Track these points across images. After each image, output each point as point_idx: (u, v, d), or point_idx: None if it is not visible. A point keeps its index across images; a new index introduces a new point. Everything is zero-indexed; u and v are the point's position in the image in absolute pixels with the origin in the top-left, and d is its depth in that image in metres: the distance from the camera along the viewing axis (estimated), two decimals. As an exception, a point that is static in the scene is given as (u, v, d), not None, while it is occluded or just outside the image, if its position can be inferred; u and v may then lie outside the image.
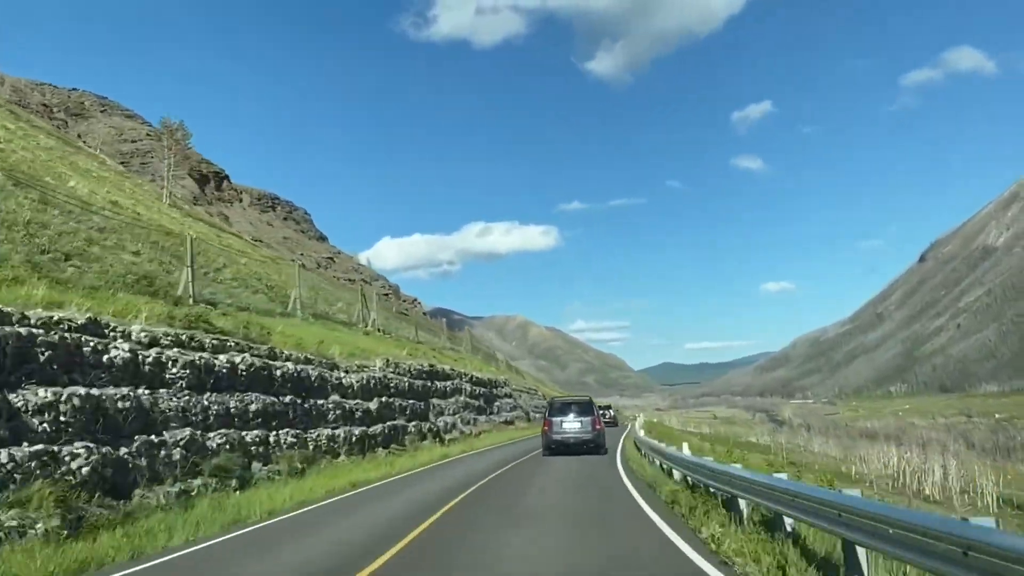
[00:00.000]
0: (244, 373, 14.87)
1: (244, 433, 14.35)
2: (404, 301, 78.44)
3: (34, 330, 9.87)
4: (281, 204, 75.41)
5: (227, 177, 65.93)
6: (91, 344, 10.83)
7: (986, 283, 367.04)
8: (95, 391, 10.40)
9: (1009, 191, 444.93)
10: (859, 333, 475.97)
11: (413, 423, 25.92)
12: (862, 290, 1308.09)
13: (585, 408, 25.64)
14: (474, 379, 39.25)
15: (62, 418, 9.61)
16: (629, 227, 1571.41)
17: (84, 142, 50.11)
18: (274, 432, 15.52)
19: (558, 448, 24.77)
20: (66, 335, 10.38)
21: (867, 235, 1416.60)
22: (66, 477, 9.26)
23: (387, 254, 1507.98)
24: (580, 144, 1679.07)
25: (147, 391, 11.74)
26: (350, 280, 65.85)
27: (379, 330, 34.17)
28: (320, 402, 18.46)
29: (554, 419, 25.11)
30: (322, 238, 79.33)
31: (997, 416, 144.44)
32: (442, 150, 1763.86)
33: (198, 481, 12.14)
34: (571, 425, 24.82)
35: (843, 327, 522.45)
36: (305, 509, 12.85)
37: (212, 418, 13.41)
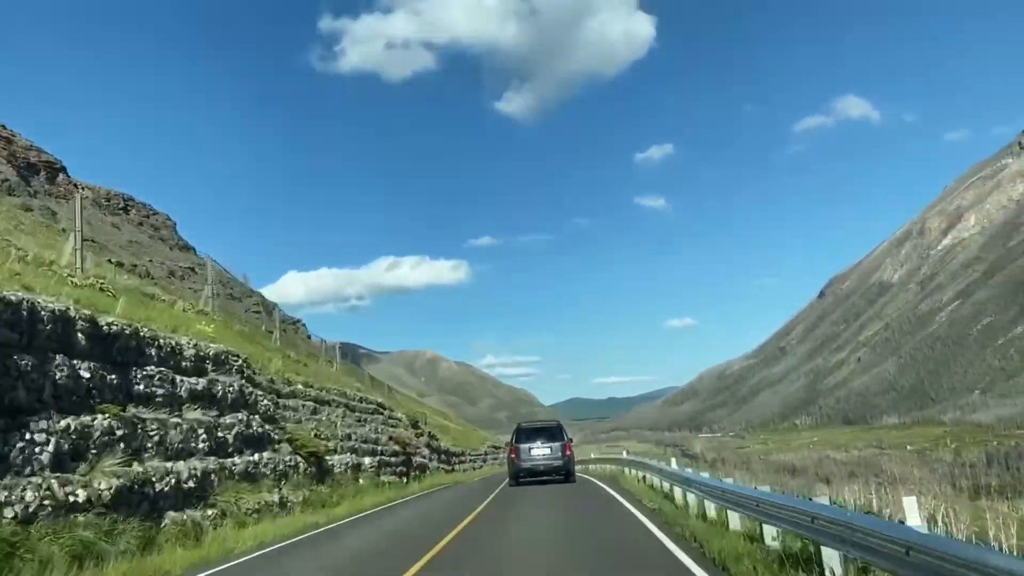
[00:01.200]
0: None
1: None
2: (285, 322, 68.23)
3: None
4: (136, 206, 64.46)
5: (63, 169, 55.09)
6: None
7: (884, 317, 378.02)
8: None
9: (902, 230, 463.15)
10: (763, 367, 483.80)
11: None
12: (762, 326, 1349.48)
13: (555, 433, 24.39)
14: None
15: None
16: (537, 263, 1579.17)
17: None
18: None
19: (526, 476, 23.65)
20: None
21: (764, 273, 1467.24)
22: None
23: (293, 289, 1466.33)
24: (490, 180, 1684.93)
25: None
26: (215, 295, 55.83)
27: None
28: None
29: (521, 446, 23.86)
30: (186, 247, 68.55)
31: (909, 448, 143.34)
32: (350, 184, 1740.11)
33: None
34: (540, 451, 23.70)
35: (748, 361, 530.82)
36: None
37: None
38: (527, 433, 24.56)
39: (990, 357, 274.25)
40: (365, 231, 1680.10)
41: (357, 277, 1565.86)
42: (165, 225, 67.12)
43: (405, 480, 29.91)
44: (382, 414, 33.12)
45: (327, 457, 21.52)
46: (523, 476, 23.76)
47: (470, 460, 60.44)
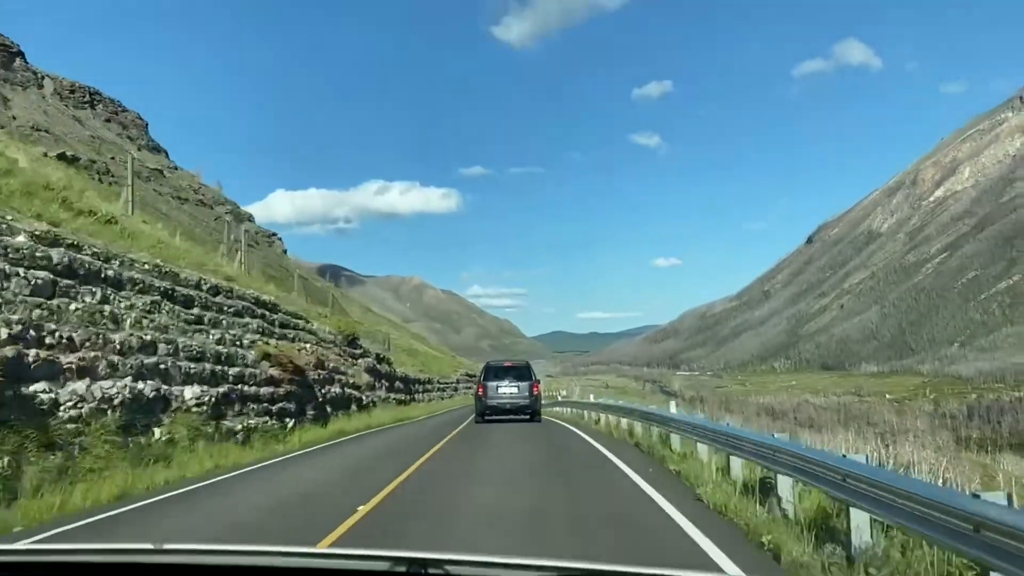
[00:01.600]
0: None
1: None
2: (259, 234, 65.05)
3: None
4: (104, 101, 60.22)
5: (20, 54, 50.93)
6: None
7: (870, 266, 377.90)
8: None
9: (894, 179, 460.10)
10: (746, 309, 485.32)
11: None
12: (747, 270, 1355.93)
13: (523, 372, 24.51)
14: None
15: None
16: (528, 196, 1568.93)
17: None
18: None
19: (493, 413, 23.71)
20: None
21: (753, 217, 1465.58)
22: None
23: (280, 208, 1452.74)
24: (483, 108, 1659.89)
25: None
26: (179, 199, 52.01)
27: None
28: None
29: (489, 383, 23.98)
30: (157, 149, 64.66)
31: (888, 396, 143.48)
32: (341, 101, 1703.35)
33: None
34: (507, 390, 23.78)
35: (730, 303, 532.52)
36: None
37: None
38: (495, 371, 24.60)
39: (972, 311, 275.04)
40: (355, 153, 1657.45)
41: (346, 199, 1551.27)
42: (135, 124, 63.03)
43: (292, 425, 18.97)
44: (265, 318, 20.20)
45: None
46: (489, 413, 23.81)
47: (439, 389, 54.34)
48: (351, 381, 26.86)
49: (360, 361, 29.92)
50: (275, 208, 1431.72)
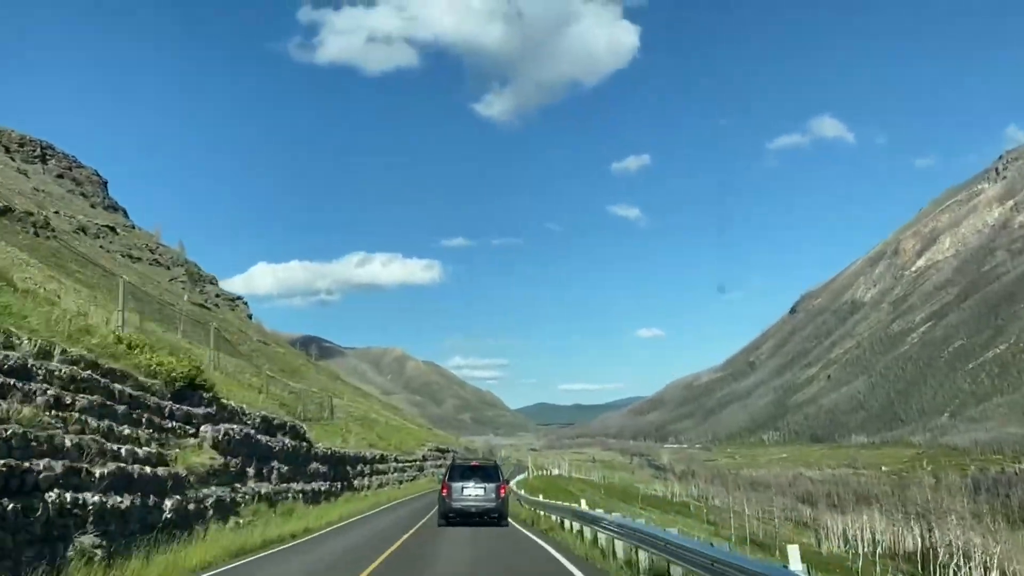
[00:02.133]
0: None
1: None
2: (221, 297, 60.52)
3: None
4: (58, 156, 56.40)
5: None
6: None
7: (855, 336, 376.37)
8: None
9: (875, 250, 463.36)
10: (732, 380, 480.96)
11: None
12: (730, 339, 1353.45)
13: (490, 473, 23.67)
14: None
15: None
16: (509, 266, 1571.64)
17: None
18: None
19: (456, 517, 22.76)
20: None
21: (735, 287, 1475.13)
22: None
23: (262, 280, 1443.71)
24: (465, 181, 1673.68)
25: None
26: (130, 257, 47.62)
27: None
28: None
29: (454, 484, 22.94)
30: (114, 207, 60.62)
31: (884, 469, 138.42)
32: (324, 176, 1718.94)
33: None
34: (473, 491, 22.88)
35: (716, 374, 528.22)
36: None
37: None
38: (461, 471, 23.67)
39: (960, 380, 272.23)
40: (337, 225, 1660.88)
41: (328, 271, 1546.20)
42: (91, 181, 59.16)
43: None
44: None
45: None
46: (453, 516, 22.80)
47: (398, 469, 43.59)
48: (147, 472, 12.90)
49: (204, 430, 16.71)
50: (257, 280, 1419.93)
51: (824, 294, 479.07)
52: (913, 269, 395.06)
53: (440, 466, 53.32)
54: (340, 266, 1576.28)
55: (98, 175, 60.82)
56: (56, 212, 41.23)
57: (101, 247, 43.61)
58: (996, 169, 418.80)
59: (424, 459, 55.29)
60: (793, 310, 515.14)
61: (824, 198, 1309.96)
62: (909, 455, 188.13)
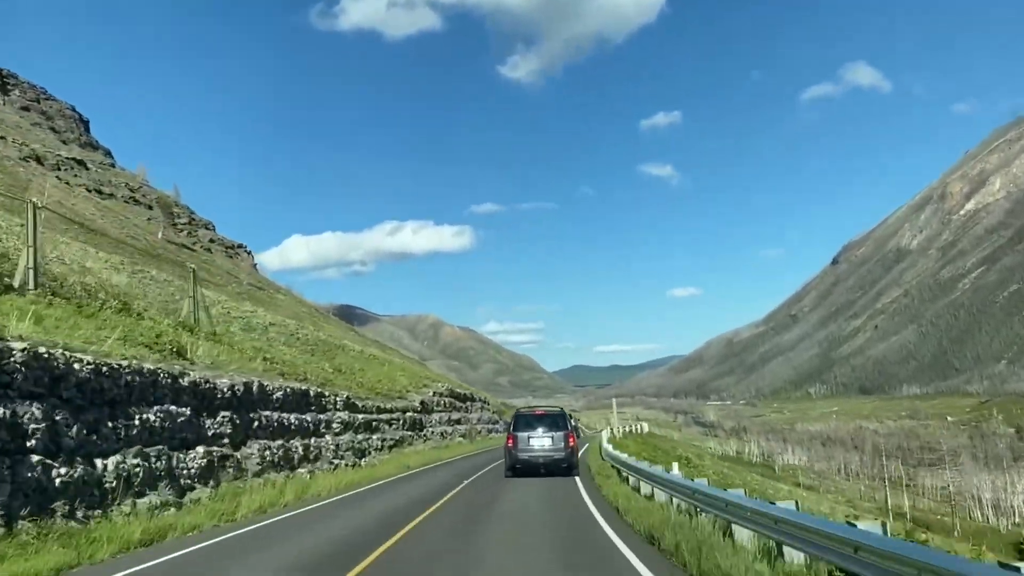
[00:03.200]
0: None
1: None
2: (215, 243, 53.75)
3: None
4: (22, 86, 49.82)
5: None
6: None
7: (902, 284, 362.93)
8: None
9: (920, 195, 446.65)
10: (773, 335, 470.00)
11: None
12: (768, 296, 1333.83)
13: (557, 421, 22.23)
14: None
15: None
16: (541, 231, 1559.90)
17: None
18: None
19: (524, 468, 21.76)
20: None
21: (771, 243, 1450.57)
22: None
23: (296, 253, 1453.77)
24: (492, 145, 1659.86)
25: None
26: (99, 192, 41.01)
27: None
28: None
29: (519, 434, 21.90)
30: (94, 146, 53.96)
31: (950, 419, 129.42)
32: (351, 146, 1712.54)
33: None
34: (540, 441, 21.72)
35: (757, 328, 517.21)
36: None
37: None
38: (526, 420, 22.71)
39: (1018, 326, 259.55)
40: (367, 194, 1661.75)
41: (360, 241, 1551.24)
42: (64, 115, 52.74)
43: None
44: None
45: None
46: (520, 467, 21.96)
47: (369, 424, 26.88)
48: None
49: None
50: (291, 253, 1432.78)
51: (867, 243, 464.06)
52: (962, 213, 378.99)
53: (454, 426, 41.27)
54: (372, 235, 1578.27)
55: (74, 110, 54.33)
56: (13, 141, 34.89)
57: (59, 178, 37.07)
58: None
59: (426, 409, 36.31)
60: (835, 261, 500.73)
61: (861, 147, 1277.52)
62: (971, 404, 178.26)
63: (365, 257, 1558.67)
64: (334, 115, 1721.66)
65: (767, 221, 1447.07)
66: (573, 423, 23.36)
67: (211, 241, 53.81)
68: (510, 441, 22.33)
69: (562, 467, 21.89)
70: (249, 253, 64.68)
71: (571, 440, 22.23)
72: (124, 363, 11.79)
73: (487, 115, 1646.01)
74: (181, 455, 13.08)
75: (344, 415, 24.35)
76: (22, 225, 15.50)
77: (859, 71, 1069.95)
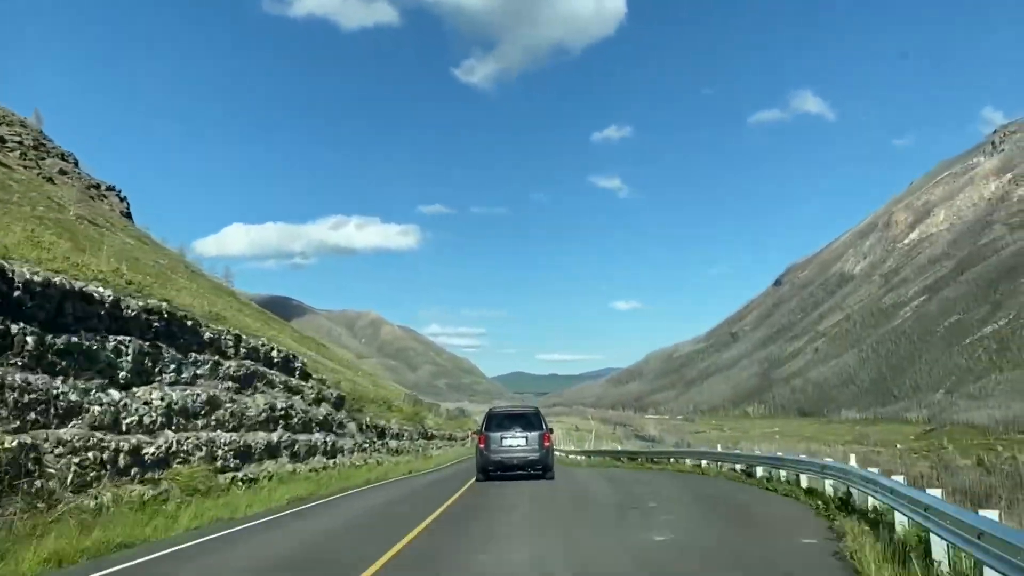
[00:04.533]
0: None
1: None
2: (73, 176, 44.02)
3: None
4: None
5: None
6: None
7: (845, 309, 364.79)
8: None
9: (866, 222, 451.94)
10: (713, 352, 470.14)
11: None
12: (710, 314, 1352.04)
13: (531, 421, 21.67)
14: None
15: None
16: (491, 235, 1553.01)
17: None
18: None
19: (497, 470, 21.14)
20: None
21: (716, 260, 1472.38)
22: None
23: (235, 242, 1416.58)
24: (444, 147, 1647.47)
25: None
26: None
27: None
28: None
29: (492, 434, 21.13)
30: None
31: (899, 447, 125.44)
32: (300, 135, 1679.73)
33: None
34: (514, 442, 21.00)
35: (697, 344, 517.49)
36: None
37: None
38: (499, 419, 21.82)
39: (957, 356, 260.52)
40: (313, 186, 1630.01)
41: (302, 233, 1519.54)
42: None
43: None
44: None
45: None
46: (493, 469, 21.05)
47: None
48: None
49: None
50: (229, 241, 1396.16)
51: (811, 266, 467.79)
52: (906, 242, 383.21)
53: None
54: (315, 228, 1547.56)
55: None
56: None
57: None
58: (992, 143, 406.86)
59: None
60: (778, 282, 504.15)
61: (806, 172, 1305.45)
62: (913, 432, 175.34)
63: (307, 249, 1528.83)
64: (282, 103, 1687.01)
65: (712, 239, 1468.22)
66: (548, 425, 22.47)
67: (62, 173, 43.91)
68: (482, 442, 21.38)
69: (537, 469, 21.11)
70: (122, 199, 54.53)
71: (547, 440, 21.41)
72: None
73: (440, 116, 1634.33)
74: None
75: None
76: None
77: (806, 99, 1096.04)
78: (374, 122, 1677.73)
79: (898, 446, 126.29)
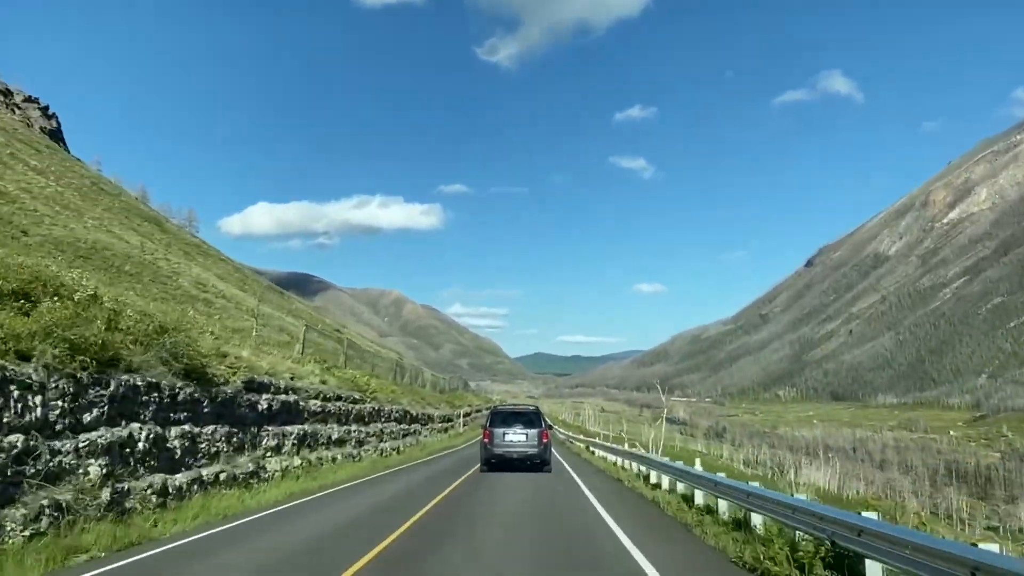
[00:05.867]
0: None
1: None
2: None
3: None
4: None
5: None
6: None
7: (880, 290, 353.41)
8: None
9: (901, 202, 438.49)
10: (742, 334, 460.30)
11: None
12: (736, 296, 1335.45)
13: (531, 419, 22.87)
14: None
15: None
16: (511, 215, 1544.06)
17: None
18: None
19: (499, 463, 22.19)
20: None
21: (740, 244, 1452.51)
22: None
23: (260, 220, 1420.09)
24: (466, 126, 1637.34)
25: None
26: None
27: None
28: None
29: (495, 430, 22.36)
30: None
31: (953, 433, 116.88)
32: (324, 113, 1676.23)
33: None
34: (515, 437, 22.30)
35: (725, 326, 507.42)
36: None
37: None
38: (502, 417, 22.91)
39: (1001, 340, 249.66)
40: (336, 165, 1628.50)
41: (326, 212, 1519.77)
42: None
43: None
44: None
45: None
46: (495, 462, 22.02)
47: None
48: None
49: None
50: (254, 220, 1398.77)
51: (844, 247, 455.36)
52: (945, 221, 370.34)
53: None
54: (339, 207, 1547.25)
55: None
56: None
57: None
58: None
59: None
60: (809, 263, 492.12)
61: (836, 154, 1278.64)
62: (960, 418, 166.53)
63: (330, 228, 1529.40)
64: (305, 82, 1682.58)
65: (739, 221, 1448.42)
66: (547, 423, 23.08)
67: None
68: (486, 437, 22.49)
69: (536, 463, 22.11)
70: (43, 108, 46.89)
71: (544, 437, 22.46)
72: None
73: (462, 95, 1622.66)
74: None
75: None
76: None
77: (834, 79, 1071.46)
78: (395, 100, 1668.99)
79: (951, 433, 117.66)
